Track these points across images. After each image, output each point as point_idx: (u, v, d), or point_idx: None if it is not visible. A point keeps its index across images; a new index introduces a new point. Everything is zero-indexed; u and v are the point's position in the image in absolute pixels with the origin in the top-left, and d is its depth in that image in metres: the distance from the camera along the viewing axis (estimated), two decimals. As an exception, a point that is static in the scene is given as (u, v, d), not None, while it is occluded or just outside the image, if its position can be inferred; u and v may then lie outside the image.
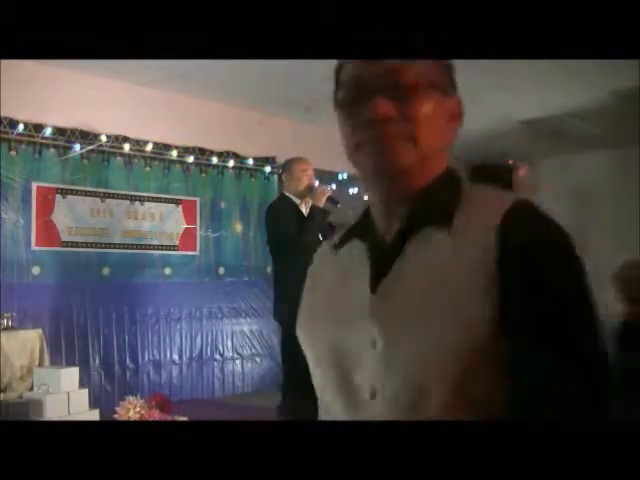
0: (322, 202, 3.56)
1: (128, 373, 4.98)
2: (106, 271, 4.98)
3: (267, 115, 5.90)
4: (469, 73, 5.18)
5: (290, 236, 3.45)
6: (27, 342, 4.09)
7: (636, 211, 6.69)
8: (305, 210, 3.65)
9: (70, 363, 4.41)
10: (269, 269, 5.99)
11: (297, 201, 3.65)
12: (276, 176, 6.07)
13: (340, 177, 6.57)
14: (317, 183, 3.67)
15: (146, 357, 5.12)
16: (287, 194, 3.68)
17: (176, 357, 5.32)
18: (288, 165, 3.74)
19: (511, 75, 4.89)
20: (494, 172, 8.06)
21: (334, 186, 6.79)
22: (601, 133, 6.48)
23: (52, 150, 4.72)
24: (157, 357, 5.19)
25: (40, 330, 4.21)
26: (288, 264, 3.45)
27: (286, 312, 3.43)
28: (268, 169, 5.99)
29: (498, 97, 5.49)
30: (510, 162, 7.99)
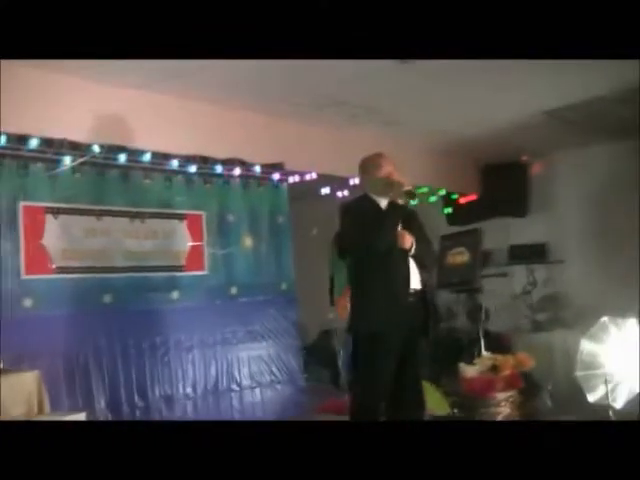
0: (399, 197, 3.14)
1: (138, 412, 4.43)
2: (107, 298, 4.44)
3: (273, 118, 5.43)
4: (486, 68, 4.67)
5: (362, 236, 3.04)
6: (23, 386, 3.54)
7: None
8: None
9: (74, 407, 3.89)
10: (284, 285, 5.52)
11: (378, 199, 3.28)
12: (285, 184, 5.62)
13: (352, 182, 6.10)
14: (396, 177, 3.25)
15: (157, 393, 4.57)
16: (368, 194, 3.28)
17: (190, 390, 4.77)
18: (363, 163, 3.39)
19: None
20: (507, 171, 7.66)
21: (346, 192, 6.35)
22: (630, 118, 6.04)
23: (39, 164, 4.18)
24: (169, 392, 4.64)
25: (37, 371, 3.64)
26: (362, 268, 3.07)
27: (364, 320, 3.13)
28: (277, 176, 5.49)
29: (518, 88, 5.10)
30: (524, 159, 7.56)
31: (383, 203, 3.30)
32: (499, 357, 3.94)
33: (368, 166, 3.36)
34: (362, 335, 3.18)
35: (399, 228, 3.20)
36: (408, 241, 3.14)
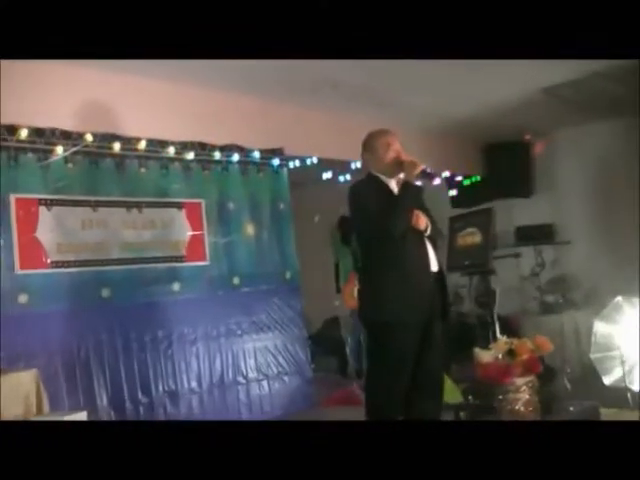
0: (414, 177, 2.96)
1: (142, 409, 4.27)
2: (106, 292, 4.25)
3: (271, 103, 5.23)
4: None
5: (376, 220, 2.86)
6: (20, 386, 3.37)
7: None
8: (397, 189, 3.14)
9: (74, 406, 3.72)
10: (288, 274, 5.35)
11: (387, 180, 3.09)
12: (285, 169, 5.44)
13: (353, 166, 5.92)
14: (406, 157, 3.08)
15: (160, 388, 4.40)
16: (374, 173, 3.09)
17: (195, 385, 4.60)
18: (368, 141, 3.18)
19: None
20: (509, 150, 7.48)
21: (348, 176, 6.17)
22: (628, 95, 5.84)
23: (30, 155, 3.99)
24: (173, 387, 4.47)
25: (34, 370, 3.47)
26: (375, 253, 2.89)
27: (373, 308, 2.96)
28: (276, 161, 5.30)
29: (515, 65, 4.90)
30: (527, 137, 7.37)
31: (392, 184, 3.12)
32: (515, 341, 3.77)
33: (375, 145, 3.13)
34: (378, 327, 2.96)
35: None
36: (423, 222, 2.97)
